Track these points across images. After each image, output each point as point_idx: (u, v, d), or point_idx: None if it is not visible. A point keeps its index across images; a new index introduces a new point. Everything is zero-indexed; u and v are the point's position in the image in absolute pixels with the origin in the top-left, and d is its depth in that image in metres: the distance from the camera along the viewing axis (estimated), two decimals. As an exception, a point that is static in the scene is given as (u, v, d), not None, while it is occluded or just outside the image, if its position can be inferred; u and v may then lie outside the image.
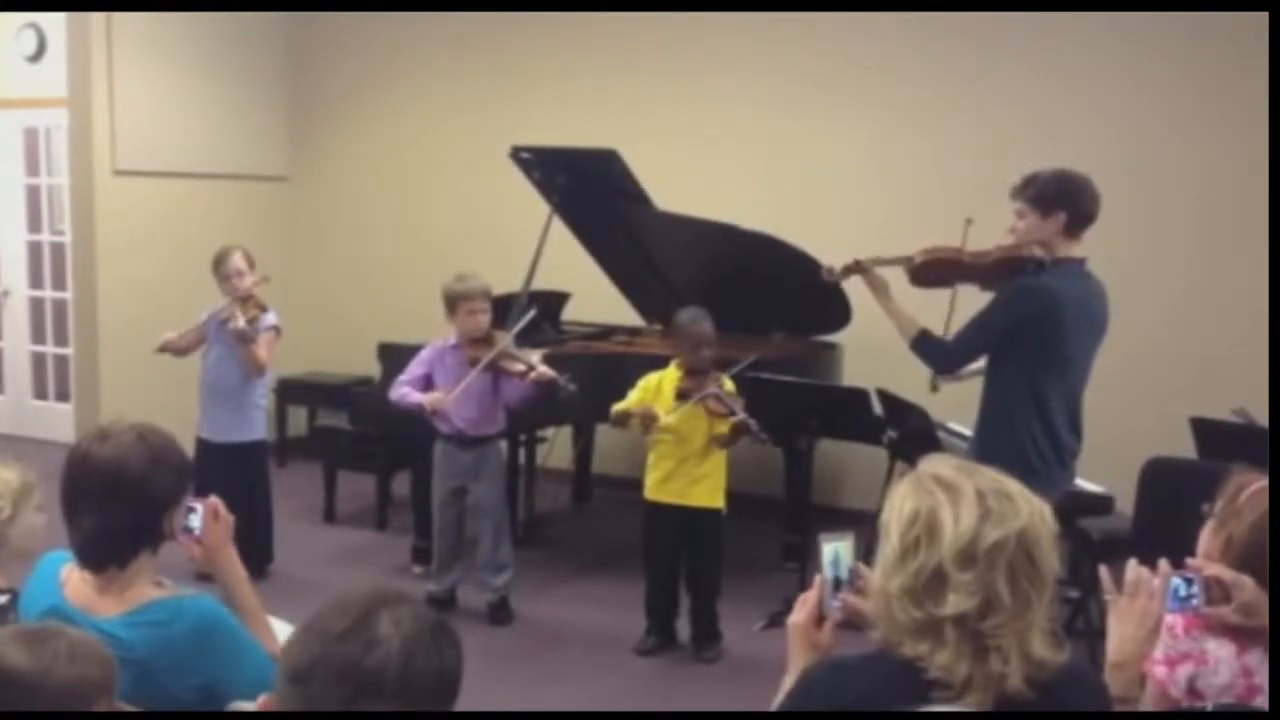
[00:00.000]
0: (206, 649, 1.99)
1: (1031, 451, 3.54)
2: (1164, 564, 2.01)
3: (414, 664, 1.34)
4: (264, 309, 5.04)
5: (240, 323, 4.90)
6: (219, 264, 5.03)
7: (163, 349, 5.08)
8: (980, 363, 3.78)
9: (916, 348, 3.74)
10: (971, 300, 3.81)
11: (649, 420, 4.33)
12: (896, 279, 3.83)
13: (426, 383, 4.75)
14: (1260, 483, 2.11)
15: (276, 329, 5.09)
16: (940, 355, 3.74)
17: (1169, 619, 2.08)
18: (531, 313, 4.89)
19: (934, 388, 3.91)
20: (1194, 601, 2.00)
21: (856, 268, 3.85)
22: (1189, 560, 2.08)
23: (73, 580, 2.08)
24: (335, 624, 1.36)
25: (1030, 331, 3.52)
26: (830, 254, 4.45)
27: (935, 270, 3.75)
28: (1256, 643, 2.02)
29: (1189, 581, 2.00)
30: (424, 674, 1.35)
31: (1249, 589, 1.99)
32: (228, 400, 5.07)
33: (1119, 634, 1.97)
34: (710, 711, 3.97)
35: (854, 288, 4.25)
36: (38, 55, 7.30)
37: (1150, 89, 5.62)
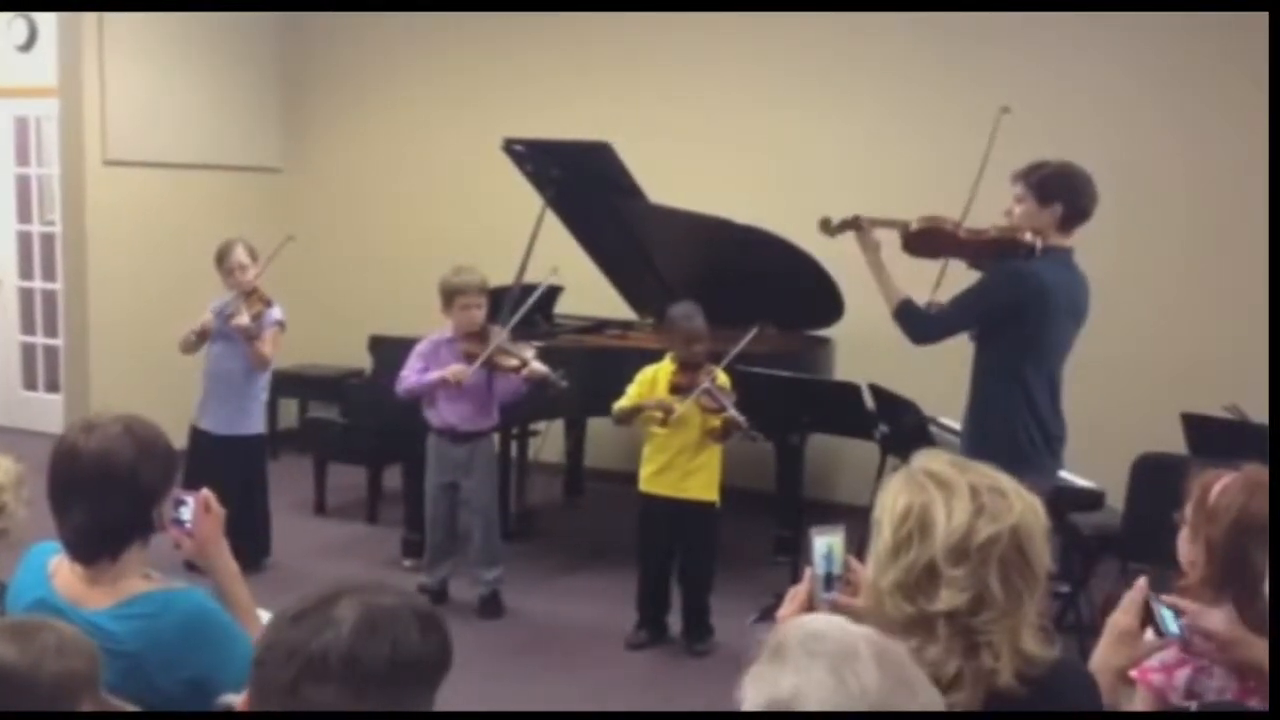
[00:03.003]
0: (196, 642, 1.98)
1: (1022, 436, 3.58)
2: (1142, 581, 2.01)
3: (362, 646, 1.32)
4: (268, 303, 5.01)
5: (245, 318, 4.88)
6: (222, 258, 5.00)
7: (201, 333, 5.01)
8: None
9: (898, 316, 3.75)
10: (960, 277, 3.82)
11: (667, 410, 4.33)
12: (888, 248, 3.82)
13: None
14: (1225, 477, 2.10)
15: (281, 324, 5.08)
16: (921, 326, 3.75)
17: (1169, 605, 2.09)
18: (541, 289, 4.86)
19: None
20: (1180, 634, 1.99)
21: (854, 223, 3.84)
22: (1166, 598, 2.05)
23: (62, 572, 2.07)
24: (294, 607, 1.35)
25: (1016, 317, 3.55)
26: (826, 249, 4.45)
27: (929, 240, 3.76)
28: None
29: (1176, 614, 1.99)
30: (373, 657, 1.32)
31: (1220, 624, 1.98)
32: (230, 393, 5.05)
33: (1100, 643, 1.99)
34: (703, 712, 3.96)
35: (849, 284, 4.26)
36: (28, 44, 7.26)
37: (1145, 85, 5.62)
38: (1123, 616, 1.97)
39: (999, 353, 3.62)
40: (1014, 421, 3.57)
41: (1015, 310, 3.55)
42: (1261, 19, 5.06)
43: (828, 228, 3.96)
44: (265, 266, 5.07)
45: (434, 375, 4.65)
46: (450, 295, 4.65)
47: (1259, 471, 2.10)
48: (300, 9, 7.24)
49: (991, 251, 3.65)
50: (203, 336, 5.03)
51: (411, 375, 4.71)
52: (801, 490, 5.22)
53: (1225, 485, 2.09)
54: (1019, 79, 5.81)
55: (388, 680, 1.34)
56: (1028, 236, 3.58)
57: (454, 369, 4.61)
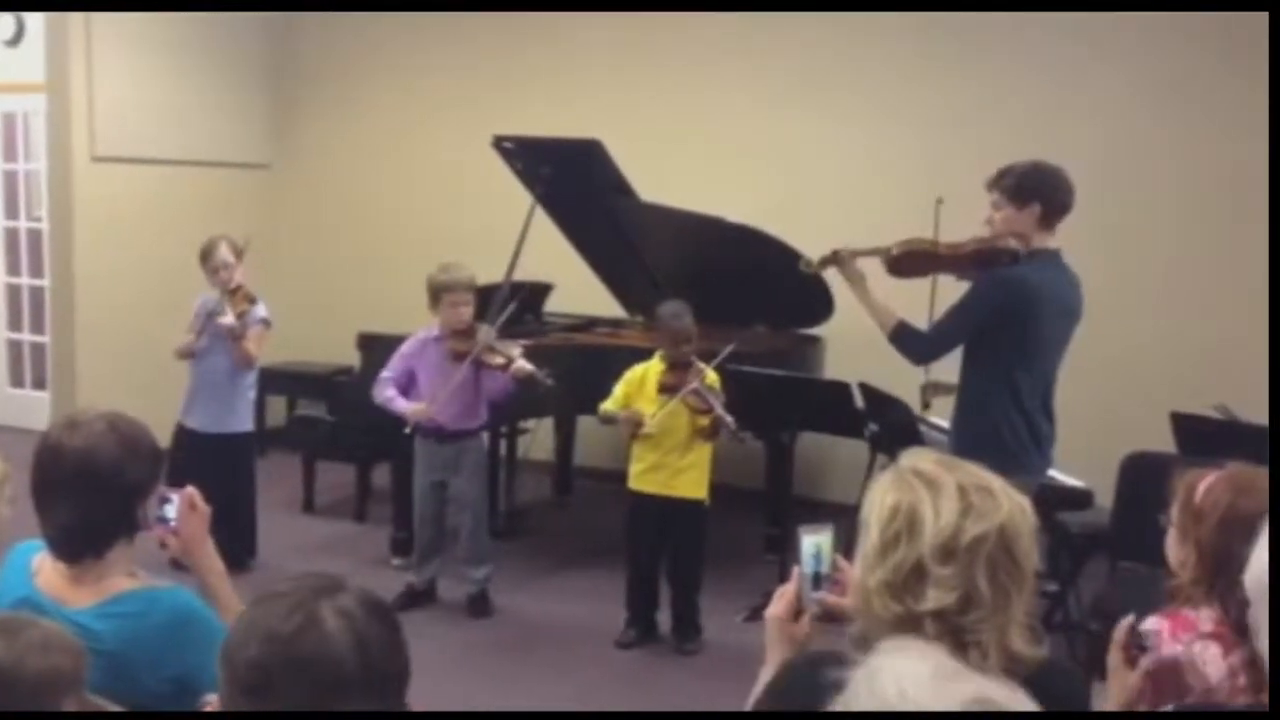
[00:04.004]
0: (180, 641, 1.97)
1: (1008, 435, 3.59)
2: (1124, 621, 2.02)
3: (369, 651, 1.32)
4: (253, 301, 4.99)
5: (230, 318, 4.86)
6: (206, 256, 4.97)
7: (183, 355, 5.02)
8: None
9: (895, 340, 3.77)
10: (952, 289, 3.83)
11: (636, 424, 4.34)
12: (874, 271, 3.84)
13: (410, 376, 4.73)
14: (1209, 476, 2.10)
15: (266, 322, 5.05)
16: (919, 346, 3.77)
17: (1154, 623, 2.08)
18: (512, 306, 4.87)
19: (925, 405, 3.94)
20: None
21: (834, 259, 3.86)
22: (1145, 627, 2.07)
23: (45, 570, 2.05)
24: (282, 625, 1.32)
25: (1006, 322, 3.56)
26: (815, 247, 4.45)
27: (912, 262, 3.78)
28: (1240, 645, 2.01)
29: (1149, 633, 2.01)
30: (379, 658, 1.33)
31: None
32: (217, 392, 5.03)
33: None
34: (690, 712, 3.96)
35: (836, 280, 4.25)
36: (16, 40, 7.23)
37: (1136, 85, 5.63)
38: (1110, 658, 1.99)
39: (988, 354, 3.63)
40: (1001, 421, 3.59)
41: (1005, 315, 3.57)
42: (1251, 17, 5.08)
43: (808, 267, 3.98)
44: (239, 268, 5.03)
45: (400, 405, 4.65)
46: (438, 292, 4.64)
47: (1243, 469, 2.10)
48: (289, 9, 7.22)
49: (975, 263, 3.68)
50: (192, 347, 5.01)
51: (388, 389, 4.70)
52: (791, 489, 5.22)
53: (1210, 484, 2.09)
54: (1011, 78, 5.82)
55: (397, 676, 1.35)
56: (1010, 243, 3.59)
57: (415, 408, 4.62)
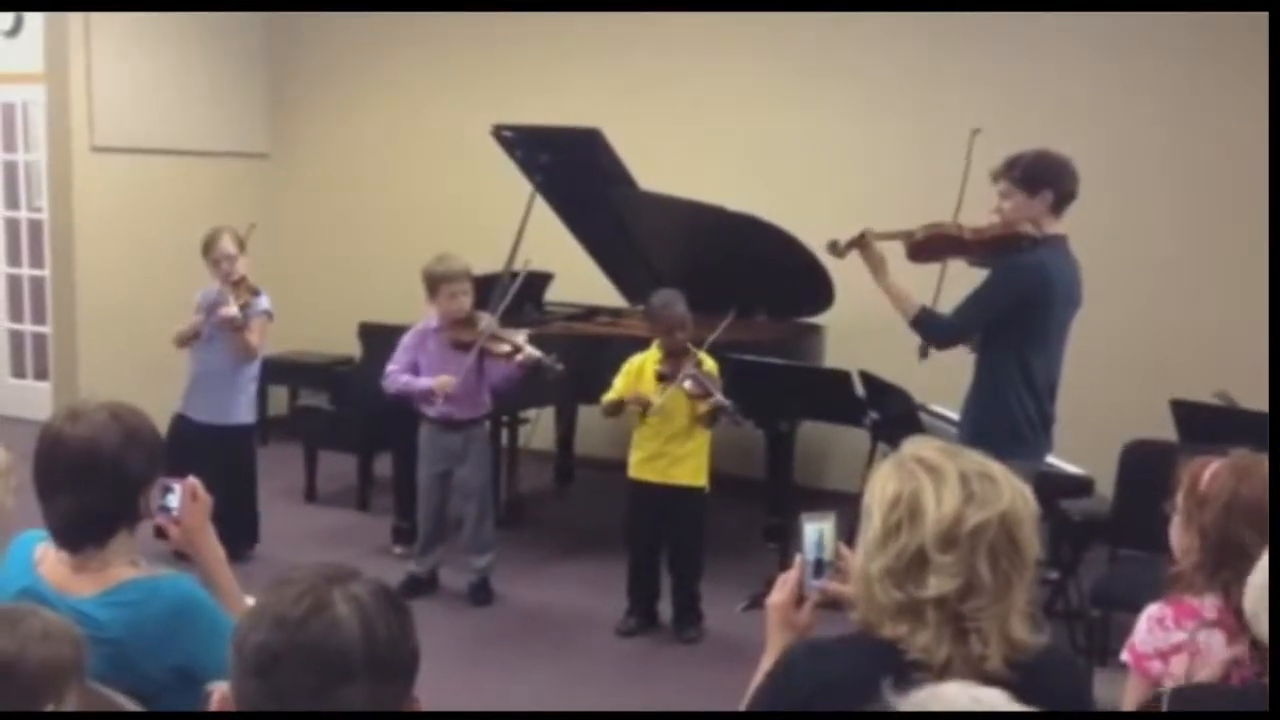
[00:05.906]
0: (183, 629, 1.98)
1: (1020, 418, 3.64)
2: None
3: (377, 638, 1.32)
4: (256, 293, 4.98)
5: (233, 309, 4.85)
6: (208, 248, 4.96)
7: (194, 333, 5.02)
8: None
9: (917, 325, 3.78)
10: (960, 275, 3.83)
11: (644, 404, 4.34)
12: (892, 256, 3.83)
13: (414, 368, 4.73)
14: (1214, 464, 2.10)
15: (269, 314, 5.04)
16: (941, 331, 3.78)
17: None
18: (513, 290, 4.85)
19: (923, 355, 3.94)
20: None
21: (860, 241, 3.85)
22: None
23: (48, 560, 2.06)
24: (291, 609, 1.31)
25: (1025, 307, 3.61)
26: (814, 235, 4.45)
27: (934, 246, 3.79)
28: (1243, 633, 2.02)
29: None
30: (387, 645, 1.32)
31: None
32: (218, 383, 5.02)
33: None
34: (687, 712, 3.96)
35: (837, 269, 4.25)
36: (15, 30, 7.21)
37: (1130, 73, 5.62)
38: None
39: (1004, 338, 3.67)
40: (1014, 404, 3.64)
41: (1026, 300, 3.61)
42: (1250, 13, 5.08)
43: (836, 249, 3.95)
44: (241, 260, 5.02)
45: (422, 384, 4.63)
46: (435, 283, 4.62)
47: (1247, 457, 2.11)
48: (285, 9, 7.21)
49: (995, 248, 3.70)
50: (196, 335, 5.01)
51: (401, 376, 4.69)
52: (791, 477, 5.22)
53: (1214, 471, 2.10)
54: (1007, 67, 5.81)
55: (405, 661, 1.35)
56: (1027, 228, 3.61)
57: (440, 380, 4.60)
